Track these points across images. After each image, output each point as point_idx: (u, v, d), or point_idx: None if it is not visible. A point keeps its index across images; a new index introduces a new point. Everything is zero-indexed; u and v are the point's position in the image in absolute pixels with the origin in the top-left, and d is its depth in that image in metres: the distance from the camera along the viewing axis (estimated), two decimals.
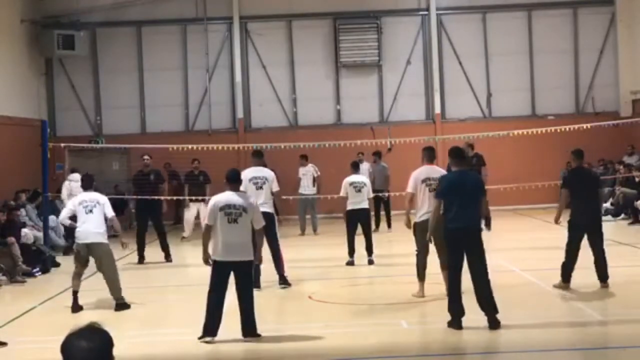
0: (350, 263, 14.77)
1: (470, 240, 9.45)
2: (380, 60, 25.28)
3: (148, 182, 17.27)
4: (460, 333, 9.27)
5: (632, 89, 24.74)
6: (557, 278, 12.02)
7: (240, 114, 25.32)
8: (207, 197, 19.49)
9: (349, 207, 14.95)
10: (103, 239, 11.52)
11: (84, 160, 24.80)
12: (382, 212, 20.37)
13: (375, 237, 15.92)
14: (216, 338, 9.35)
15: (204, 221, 9.74)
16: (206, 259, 9.44)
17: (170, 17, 25.32)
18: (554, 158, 22.76)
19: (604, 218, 20.65)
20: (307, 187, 20.68)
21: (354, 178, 15.22)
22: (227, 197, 9.47)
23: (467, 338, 9.20)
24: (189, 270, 15.70)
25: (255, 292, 11.25)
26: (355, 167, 15.76)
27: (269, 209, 12.43)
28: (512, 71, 25.50)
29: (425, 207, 11.11)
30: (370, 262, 14.75)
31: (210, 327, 9.30)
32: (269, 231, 11.79)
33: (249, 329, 9.43)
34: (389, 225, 20.19)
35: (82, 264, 11.56)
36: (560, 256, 12.14)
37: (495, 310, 9.37)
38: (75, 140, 22.24)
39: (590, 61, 25.53)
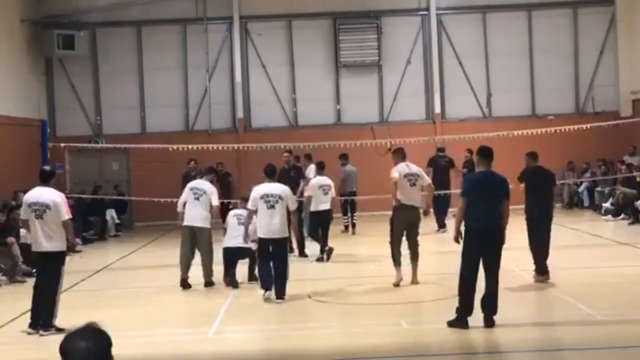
0: (321, 259, 15.27)
1: (490, 240, 9.45)
2: (380, 60, 25.27)
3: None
4: (459, 333, 9.27)
5: (632, 89, 24.72)
6: (557, 278, 12.08)
7: (240, 114, 25.30)
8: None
9: (315, 208, 15.56)
10: (205, 224, 12.95)
11: (84, 160, 24.82)
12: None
13: (371, 236, 15.93)
14: (220, 336, 9.32)
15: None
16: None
17: (170, 17, 25.30)
18: (554, 158, 22.70)
19: (604, 218, 20.86)
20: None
21: (323, 180, 15.80)
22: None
23: (467, 338, 9.20)
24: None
25: (255, 292, 11.32)
26: (321, 168, 16.28)
27: None
28: (512, 71, 25.48)
29: (405, 196, 12.19)
30: (320, 260, 15.28)
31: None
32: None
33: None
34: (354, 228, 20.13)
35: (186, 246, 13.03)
36: (560, 256, 12.18)
37: (494, 312, 9.39)
38: (75, 140, 22.23)
39: (590, 61, 25.51)
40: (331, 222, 16.00)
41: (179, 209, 13.20)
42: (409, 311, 10.87)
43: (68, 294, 12.93)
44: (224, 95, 25.49)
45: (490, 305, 9.42)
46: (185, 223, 13.03)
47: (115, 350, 3.33)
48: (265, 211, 11.55)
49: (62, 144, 20.58)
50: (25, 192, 18.20)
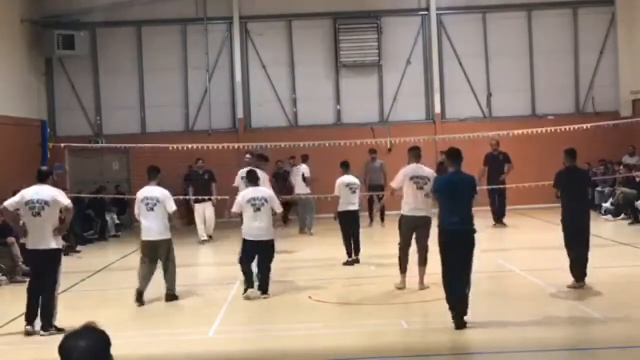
0: (350, 263, 14.89)
1: (461, 241, 9.52)
2: (380, 60, 25.27)
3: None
4: (459, 333, 9.25)
5: (632, 89, 24.72)
6: (557, 278, 12.07)
7: (240, 114, 25.31)
8: (213, 197, 19.49)
9: (343, 208, 15.14)
10: (165, 235, 11.96)
11: (84, 160, 24.82)
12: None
13: (373, 236, 15.95)
14: (220, 336, 9.32)
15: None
16: None
17: (170, 17, 25.31)
18: (554, 158, 22.70)
19: (604, 217, 20.86)
20: (300, 187, 20.68)
21: (349, 179, 15.32)
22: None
23: (467, 338, 9.20)
24: (189, 270, 15.69)
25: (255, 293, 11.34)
26: (346, 167, 15.77)
27: None
28: (512, 71, 25.48)
29: (411, 203, 11.84)
30: (356, 262, 14.96)
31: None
32: None
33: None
34: (382, 220, 21.12)
35: (146, 261, 12.01)
36: (560, 256, 12.15)
37: (465, 312, 9.41)
38: (75, 140, 22.23)
39: (590, 61, 25.51)
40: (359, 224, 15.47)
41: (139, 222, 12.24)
42: (409, 311, 10.87)
43: (68, 293, 12.94)
44: (224, 95, 25.49)
45: (460, 306, 9.42)
46: (144, 238, 11.99)
47: (115, 350, 3.33)
48: (251, 214, 11.93)
49: (62, 144, 20.58)
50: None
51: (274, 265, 12.74)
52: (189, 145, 19.69)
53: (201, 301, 12.19)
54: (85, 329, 3.32)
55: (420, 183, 11.85)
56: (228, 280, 13.34)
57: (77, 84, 25.27)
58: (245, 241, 12.15)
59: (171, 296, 11.99)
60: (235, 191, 13.92)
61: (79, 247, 18.68)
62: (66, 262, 16.61)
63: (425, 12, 25.50)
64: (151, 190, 12.10)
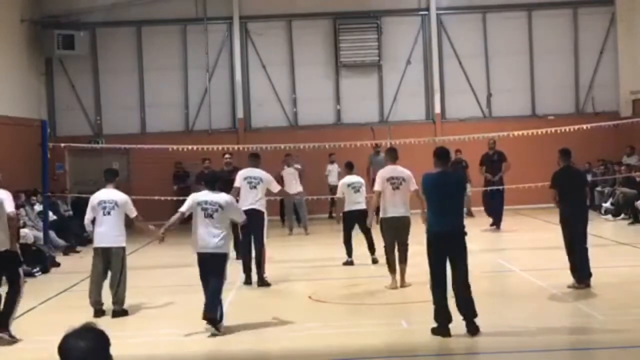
0: (349, 263, 14.84)
1: (453, 244, 9.17)
2: (380, 60, 25.29)
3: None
4: (459, 333, 9.23)
5: (632, 89, 24.73)
6: (557, 278, 12.04)
7: (240, 114, 25.32)
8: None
9: (348, 209, 14.99)
10: (120, 243, 11.06)
11: (84, 160, 24.83)
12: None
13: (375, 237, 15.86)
14: (218, 338, 9.32)
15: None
16: None
17: (170, 17, 25.32)
18: (553, 158, 22.68)
19: (604, 217, 20.86)
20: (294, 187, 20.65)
21: (351, 179, 15.26)
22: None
23: (467, 339, 9.17)
24: (189, 270, 15.68)
25: (255, 292, 11.32)
26: (349, 167, 15.66)
27: (260, 207, 12.95)
28: (512, 71, 25.50)
29: (389, 205, 11.98)
30: (375, 261, 14.72)
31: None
32: (257, 230, 12.73)
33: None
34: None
35: (97, 271, 11.12)
36: (560, 256, 12.14)
37: (474, 315, 9.15)
38: (75, 140, 22.24)
39: (590, 61, 25.53)
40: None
41: (88, 227, 11.35)
42: (409, 311, 10.86)
43: (68, 293, 12.95)
44: (224, 95, 25.51)
45: (466, 309, 9.12)
46: (97, 245, 11.06)
47: (114, 351, 3.33)
48: (201, 220, 9.74)
49: (62, 144, 20.59)
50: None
51: (274, 265, 12.74)
52: (189, 146, 19.69)
53: (201, 301, 12.17)
54: (84, 329, 3.31)
55: (395, 183, 12.00)
56: (228, 281, 13.31)
57: (77, 84, 25.29)
58: (197, 255, 9.97)
59: (120, 312, 10.97)
60: (237, 192, 12.99)
61: (79, 247, 18.67)
62: (66, 262, 16.71)
63: (425, 12, 25.51)
64: (108, 194, 11.10)
